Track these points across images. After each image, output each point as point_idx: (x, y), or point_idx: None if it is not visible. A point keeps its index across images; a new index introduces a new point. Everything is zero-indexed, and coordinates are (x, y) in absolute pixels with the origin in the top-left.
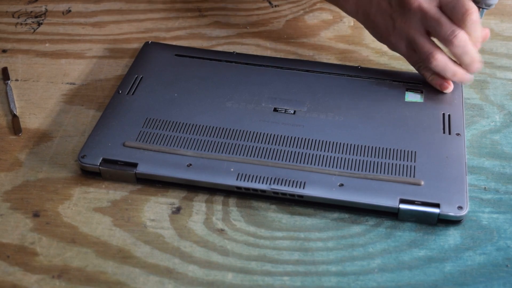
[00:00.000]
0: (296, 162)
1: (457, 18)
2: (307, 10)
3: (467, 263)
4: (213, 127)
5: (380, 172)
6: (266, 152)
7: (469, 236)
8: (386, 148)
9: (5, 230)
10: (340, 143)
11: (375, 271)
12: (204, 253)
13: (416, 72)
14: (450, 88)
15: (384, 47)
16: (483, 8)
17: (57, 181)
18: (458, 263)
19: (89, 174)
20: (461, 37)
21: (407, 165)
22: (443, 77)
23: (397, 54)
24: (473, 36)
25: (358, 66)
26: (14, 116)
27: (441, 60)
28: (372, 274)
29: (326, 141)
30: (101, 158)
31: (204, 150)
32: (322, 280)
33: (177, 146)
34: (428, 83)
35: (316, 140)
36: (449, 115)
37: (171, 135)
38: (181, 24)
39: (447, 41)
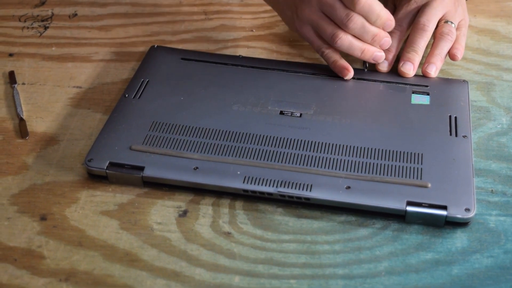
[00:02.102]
0: (303, 165)
1: (347, 3)
2: None
3: (474, 266)
4: (219, 130)
5: (387, 175)
6: (272, 155)
7: (477, 239)
8: (393, 151)
9: (12, 234)
10: (347, 146)
11: (382, 274)
12: (211, 256)
13: (423, 75)
14: (350, 74)
15: None
16: None
17: (64, 184)
18: (465, 266)
19: (96, 178)
20: (355, 20)
21: (414, 168)
22: (344, 64)
23: None
24: (370, 18)
25: (364, 68)
26: (21, 119)
27: (345, 39)
28: (379, 277)
29: (333, 144)
30: (108, 162)
31: (211, 153)
32: (329, 283)
33: (183, 150)
34: (434, 86)
35: (322, 142)
36: (455, 117)
37: (177, 139)
38: (187, 27)
39: (343, 25)
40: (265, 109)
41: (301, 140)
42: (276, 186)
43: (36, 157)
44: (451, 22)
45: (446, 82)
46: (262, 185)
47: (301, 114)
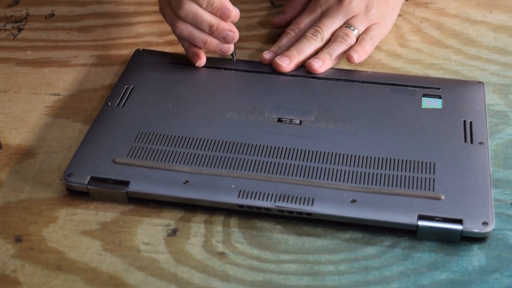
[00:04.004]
0: (303, 177)
1: None
2: None
3: (493, 287)
4: (211, 140)
5: (396, 186)
6: (270, 167)
7: (496, 256)
8: (402, 160)
9: None
10: (352, 155)
11: None
12: (204, 279)
13: (434, 76)
14: (200, 62)
15: (398, 50)
16: None
17: (41, 202)
18: (483, 287)
19: (76, 194)
20: (185, 7)
21: (425, 178)
22: (195, 51)
23: (413, 57)
24: (200, 2)
25: (370, 70)
26: None
27: (184, 29)
28: None
29: (336, 153)
30: (89, 177)
31: (202, 166)
32: None
33: (172, 162)
34: (447, 89)
35: (324, 152)
36: (470, 122)
37: (165, 150)
38: None
39: (177, 13)
40: (262, 116)
41: (301, 150)
42: (275, 201)
43: (10, 172)
44: (352, 27)
45: (460, 84)
46: (259, 199)
47: (301, 121)
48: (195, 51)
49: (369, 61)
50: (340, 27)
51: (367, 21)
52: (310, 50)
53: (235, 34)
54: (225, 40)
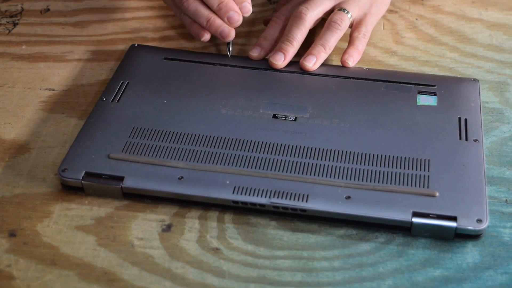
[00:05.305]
0: (298, 173)
1: None
2: None
3: (487, 284)
4: (206, 136)
5: (391, 183)
6: (265, 163)
7: (489, 253)
8: (397, 157)
9: None
10: (346, 152)
11: None
12: (198, 274)
13: (429, 73)
14: (205, 36)
15: (394, 47)
16: None
17: (35, 197)
18: (477, 284)
19: (70, 189)
20: None
21: (420, 175)
22: (200, 26)
23: (408, 54)
24: None
25: (365, 67)
26: None
27: (191, 3)
28: None
29: (331, 150)
30: (84, 172)
31: (197, 162)
32: None
33: (167, 158)
34: (442, 86)
35: (319, 148)
36: (465, 120)
37: (160, 146)
38: (170, 23)
39: None
40: (257, 112)
41: (296, 146)
42: (269, 197)
43: (4, 167)
44: (345, 10)
45: (455, 81)
46: (253, 195)
47: (296, 118)
48: (200, 30)
49: (364, 58)
50: (333, 11)
51: (359, 6)
52: (300, 36)
53: (240, 16)
54: (229, 21)
